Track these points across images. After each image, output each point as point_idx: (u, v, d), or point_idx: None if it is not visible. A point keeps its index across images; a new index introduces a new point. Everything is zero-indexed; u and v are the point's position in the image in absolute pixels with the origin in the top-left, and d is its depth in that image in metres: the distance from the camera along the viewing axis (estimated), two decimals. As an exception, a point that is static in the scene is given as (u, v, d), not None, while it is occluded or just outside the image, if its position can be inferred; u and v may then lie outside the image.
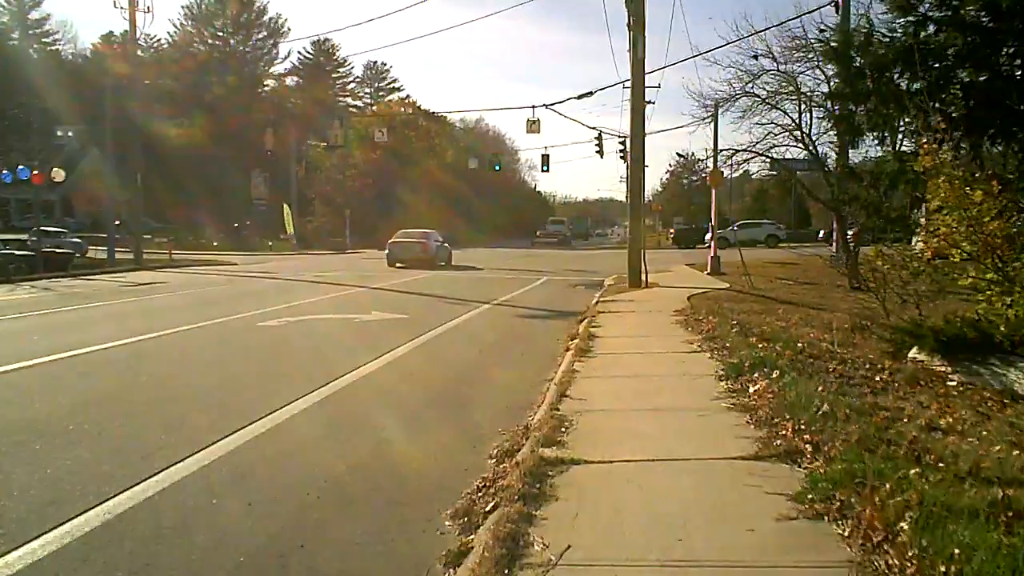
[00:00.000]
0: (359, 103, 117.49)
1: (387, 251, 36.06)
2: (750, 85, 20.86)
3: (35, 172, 35.14)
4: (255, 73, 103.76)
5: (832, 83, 19.93)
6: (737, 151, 21.00)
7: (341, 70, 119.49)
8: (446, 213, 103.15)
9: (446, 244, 38.31)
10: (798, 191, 71.11)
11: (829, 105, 18.79)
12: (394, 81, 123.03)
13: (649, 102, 70.66)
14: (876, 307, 11.80)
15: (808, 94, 20.64)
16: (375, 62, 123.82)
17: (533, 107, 38.72)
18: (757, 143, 20.94)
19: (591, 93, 35.15)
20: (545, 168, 52.78)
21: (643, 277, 20.57)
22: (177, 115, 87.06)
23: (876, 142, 17.29)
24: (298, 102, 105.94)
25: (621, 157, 48.61)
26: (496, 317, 14.95)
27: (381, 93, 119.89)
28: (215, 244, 59.20)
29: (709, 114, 20.87)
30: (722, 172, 24.40)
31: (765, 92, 20.77)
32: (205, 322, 14.02)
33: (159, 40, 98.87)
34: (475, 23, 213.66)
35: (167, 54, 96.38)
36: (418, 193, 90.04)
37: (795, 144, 21.02)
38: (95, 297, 20.40)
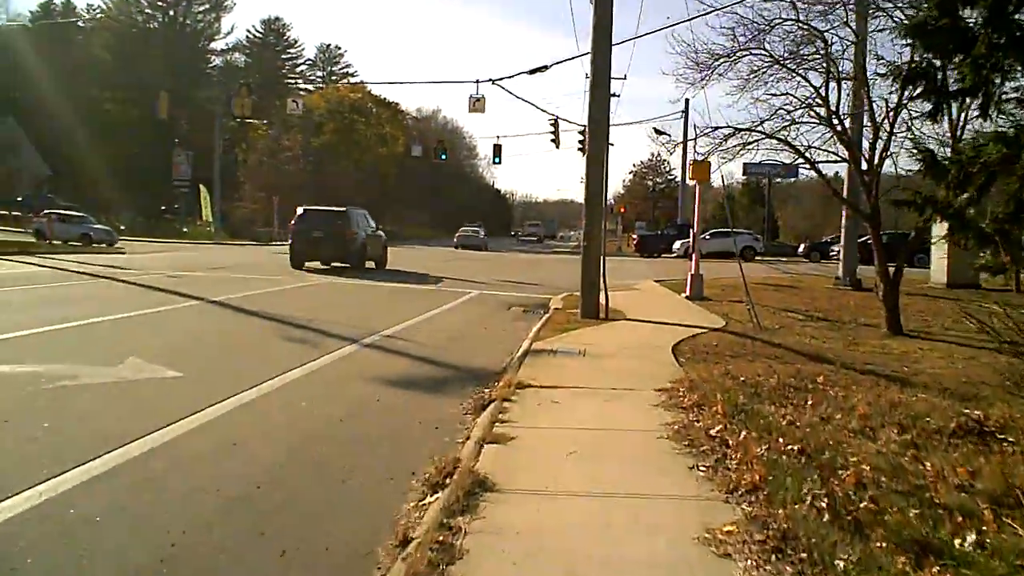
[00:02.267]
0: (310, 87, 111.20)
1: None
2: (756, 42, 14.81)
3: None
4: (197, 47, 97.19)
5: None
6: (738, 130, 14.91)
7: (292, 51, 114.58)
8: (394, 206, 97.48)
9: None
10: (770, 198, 66.22)
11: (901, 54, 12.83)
12: (348, 66, 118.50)
13: (615, 94, 64.92)
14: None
15: (838, 54, 14.77)
16: (328, 45, 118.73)
17: (478, 81, 32.59)
18: (762, 122, 14.94)
19: (545, 67, 28.88)
20: (497, 160, 46.92)
21: (601, 301, 14.51)
22: (112, 89, 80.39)
23: (970, 114, 11.46)
24: (244, 81, 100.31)
25: (580, 150, 42.71)
26: (338, 382, 8.26)
27: (334, 77, 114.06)
28: (121, 228, 52.22)
29: (703, 75, 14.74)
30: (709, 163, 18.47)
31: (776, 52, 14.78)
32: None
33: (98, 9, 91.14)
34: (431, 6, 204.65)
35: (105, 23, 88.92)
36: (364, 184, 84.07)
37: (813, 123, 15.03)
38: None
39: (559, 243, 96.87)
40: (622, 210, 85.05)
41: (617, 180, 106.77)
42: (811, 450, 5.46)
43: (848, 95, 15.46)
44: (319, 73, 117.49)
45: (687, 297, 18.63)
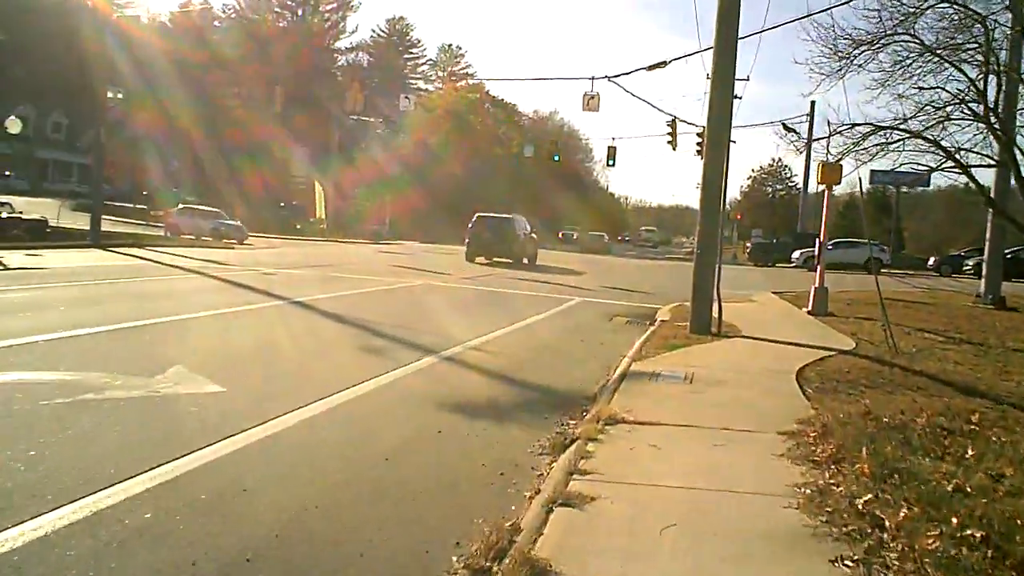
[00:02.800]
0: (430, 87, 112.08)
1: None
2: (904, 27, 13.00)
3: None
4: (322, 46, 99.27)
5: None
6: (879, 128, 13.15)
7: (414, 51, 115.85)
8: (509, 208, 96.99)
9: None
10: (898, 208, 62.20)
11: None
12: (468, 65, 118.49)
13: (737, 95, 62.43)
14: None
15: (998, 43, 12.96)
16: (449, 45, 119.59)
17: (593, 78, 31.14)
18: (906, 119, 13.12)
19: (664, 63, 27.36)
20: (611, 162, 45.51)
21: (714, 315, 13.04)
22: (238, 86, 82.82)
23: None
24: (368, 80, 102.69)
25: (698, 152, 40.81)
26: (400, 405, 7.19)
27: (454, 77, 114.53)
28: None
29: (841, 65, 13.00)
30: (841, 166, 16.66)
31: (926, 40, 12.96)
32: None
33: (231, 9, 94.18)
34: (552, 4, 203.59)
35: (235, 23, 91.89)
36: (478, 184, 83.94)
37: (965, 121, 13.17)
38: None
39: (674, 249, 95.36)
40: (738, 216, 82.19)
41: (735, 185, 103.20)
42: (998, 537, 4.02)
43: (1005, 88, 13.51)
44: (440, 72, 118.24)
45: (809, 312, 16.90)
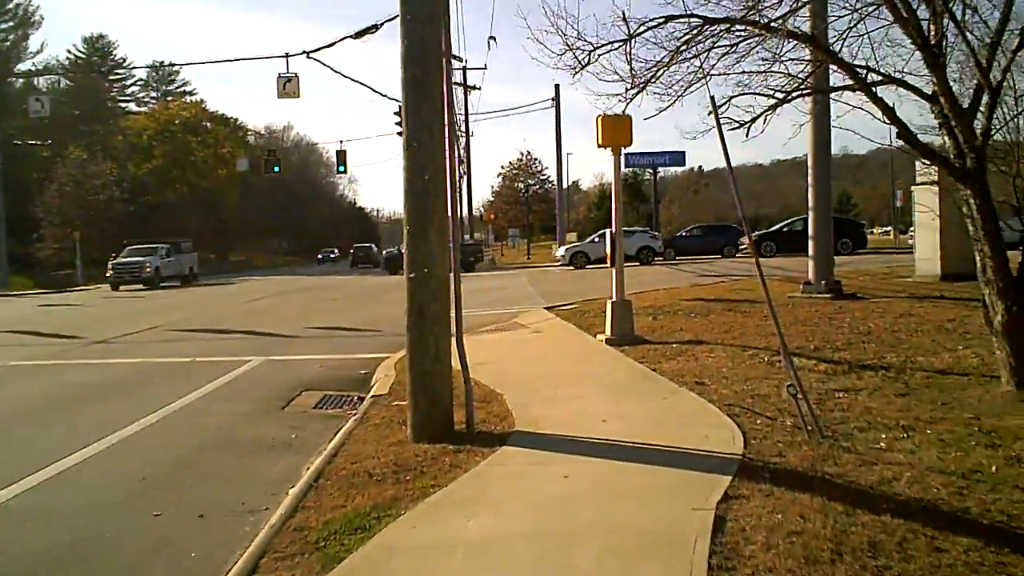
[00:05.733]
0: (144, 109, 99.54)
1: None
2: None
3: None
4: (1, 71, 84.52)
5: None
6: (706, 20, 7.35)
7: (120, 71, 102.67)
8: (242, 233, 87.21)
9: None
10: (657, 190, 59.86)
11: None
12: (185, 83, 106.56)
13: (474, 86, 57.37)
14: None
15: None
16: (161, 62, 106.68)
17: (287, 56, 24.07)
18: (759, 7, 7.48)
19: (376, 27, 21.03)
20: (340, 168, 39.10)
21: (454, 374, 6.59)
22: None
23: None
24: (65, 103, 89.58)
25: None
26: None
27: (170, 98, 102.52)
28: None
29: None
30: (628, 118, 10.95)
31: None
32: None
33: None
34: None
35: None
36: (203, 210, 74.14)
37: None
38: None
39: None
40: (491, 217, 77.86)
41: (485, 186, 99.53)
42: None
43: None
44: (153, 94, 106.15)
45: (609, 341, 11.00)
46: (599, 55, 8.20)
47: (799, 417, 5.89)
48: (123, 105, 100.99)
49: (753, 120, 9.17)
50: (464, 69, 54.47)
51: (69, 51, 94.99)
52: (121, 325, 18.47)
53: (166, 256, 41.25)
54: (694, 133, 10.13)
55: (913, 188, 18.36)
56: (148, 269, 38.63)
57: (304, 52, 22.87)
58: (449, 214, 6.65)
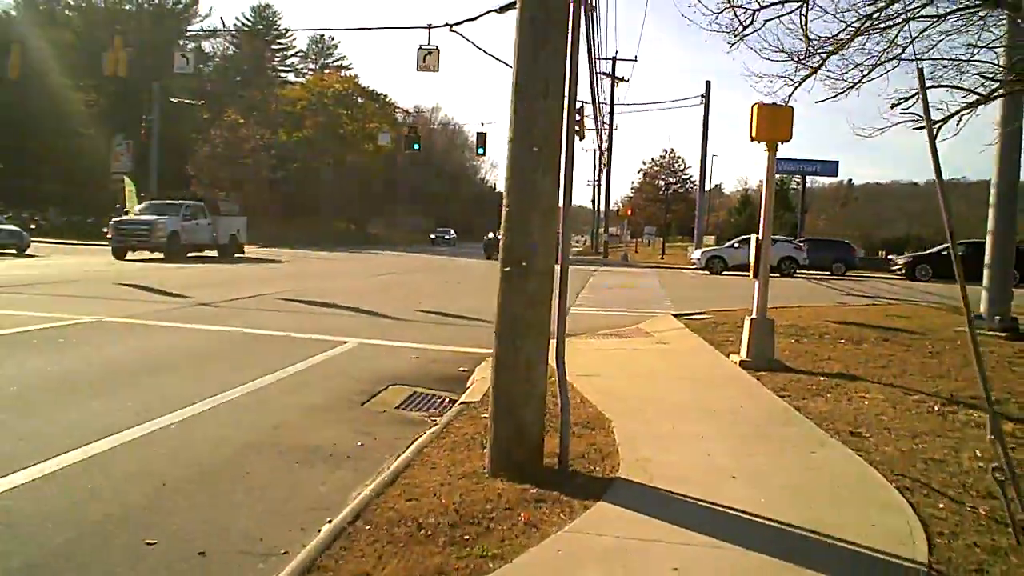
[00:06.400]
0: (302, 80, 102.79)
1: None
2: None
3: None
4: (173, 31, 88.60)
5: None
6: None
7: (282, 41, 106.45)
8: (385, 208, 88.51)
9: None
10: (804, 198, 56.47)
11: None
12: (342, 58, 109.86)
13: (621, 77, 55.90)
14: None
15: None
16: (321, 35, 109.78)
17: (430, 27, 23.32)
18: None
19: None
20: (481, 151, 38.34)
21: (543, 420, 5.41)
22: (75, 77, 71.73)
23: None
24: (228, 68, 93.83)
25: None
26: None
27: (327, 71, 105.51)
28: (32, 228, 43.43)
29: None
30: (790, 109, 9.37)
31: None
32: None
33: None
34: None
35: (78, 6, 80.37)
36: (348, 182, 75.57)
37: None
38: None
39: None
40: (628, 213, 75.91)
41: (624, 180, 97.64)
42: None
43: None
44: (311, 66, 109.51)
45: (744, 363, 9.47)
46: (764, 20, 6.77)
47: (1003, 503, 4.34)
48: (282, 75, 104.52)
49: (946, 119, 7.54)
50: (614, 59, 53.03)
51: (237, 18, 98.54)
52: (238, 289, 18.13)
53: (191, 217, 32.34)
54: (869, 130, 8.50)
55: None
56: (160, 233, 29.70)
57: (447, 24, 22.06)
58: (561, 197, 5.39)
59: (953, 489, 5.04)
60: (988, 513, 4.59)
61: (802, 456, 5.69)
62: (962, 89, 7.11)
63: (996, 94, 7.50)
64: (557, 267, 5.27)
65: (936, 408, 7.45)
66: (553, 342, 5.38)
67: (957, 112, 7.23)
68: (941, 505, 4.75)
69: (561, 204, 5.45)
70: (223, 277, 22.57)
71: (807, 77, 6.90)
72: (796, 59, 7.13)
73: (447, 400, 7.80)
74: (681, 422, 6.61)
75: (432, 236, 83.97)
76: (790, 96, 7.97)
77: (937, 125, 6.92)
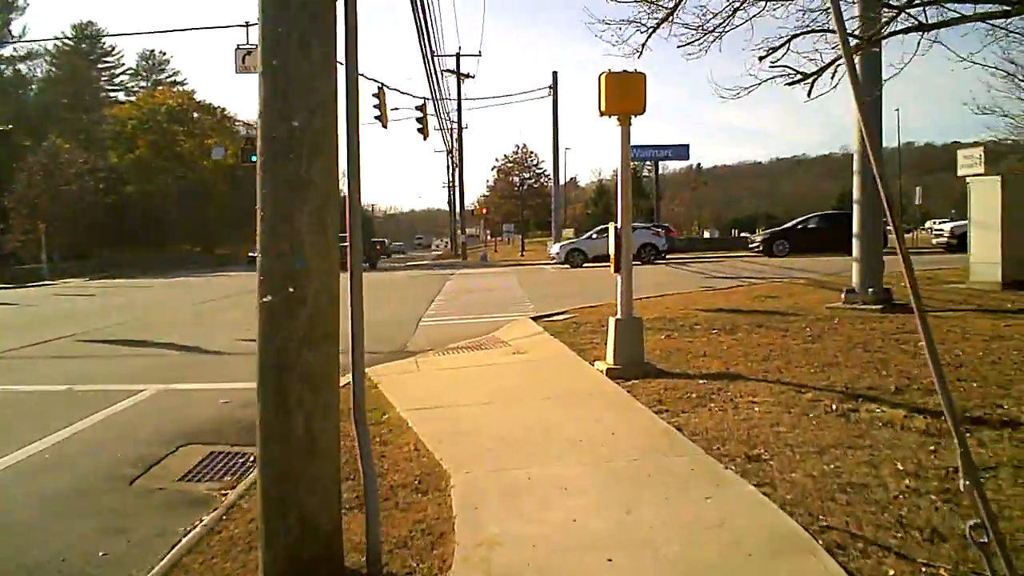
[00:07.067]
0: (133, 98, 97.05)
1: None
2: None
3: None
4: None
5: None
6: None
7: (108, 59, 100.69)
8: (231, 227, 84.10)
9: None
10: (659, 184, 56.79)
11: None
12: (175, 73, 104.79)
13: (467, 74, 55.09)
14: None
15: None
16: (151, 51, 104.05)
17: (247, 25, 21.25)
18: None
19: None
20: (254, 158, 35.46)
21: (338, 503, 4.65)
22: None
23: None
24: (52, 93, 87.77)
25: (419, 130, 32.18)
26: None
27: (161, 87, 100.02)
28: None
29: None
30: (641, 76, 8.16)
31: None
32: None
33: None
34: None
35: None
36: (190, 202, 71.18)
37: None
38: None
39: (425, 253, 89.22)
40: (483, 212, 74.93)
41: (482, 180, 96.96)
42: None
43: None
44: (143, 83, 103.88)
45: (611, 372, 8.16)
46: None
47: (979, 554, 3.11)
48: (112, 94, 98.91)
49: (819, 72, 6.42)
50: (458, 55, 51.78)
51: (57, 38, 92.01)
52: (36, 332, 15.64)
53: None
54: (736, 90, 7.35)
55: (969, 180, 15.48)
56: None
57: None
58: (346, 191, 3.87)
59: (893, 534, 3.81)
60: (952, 572, 3.37)
61: (695, 505, 4.35)
62: (830, 31, 5.99)
63: (863, 43, 6.42)
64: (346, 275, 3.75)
65: (834, 407, 6.36)
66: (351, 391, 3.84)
67: (829, 65, 6.08)
68: (886, 564, 3.50)
69: (347, 197, 3.93)
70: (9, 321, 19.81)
71: (662, 22, 5.67)
72: (647, 6, 5.87)
73: (251, 459, 6.15)
74: (541, 464, 5.20)
75: (250, 255, 79.92)
76: (643, 45, 6.74)
77: (811, 79, 5.75)
